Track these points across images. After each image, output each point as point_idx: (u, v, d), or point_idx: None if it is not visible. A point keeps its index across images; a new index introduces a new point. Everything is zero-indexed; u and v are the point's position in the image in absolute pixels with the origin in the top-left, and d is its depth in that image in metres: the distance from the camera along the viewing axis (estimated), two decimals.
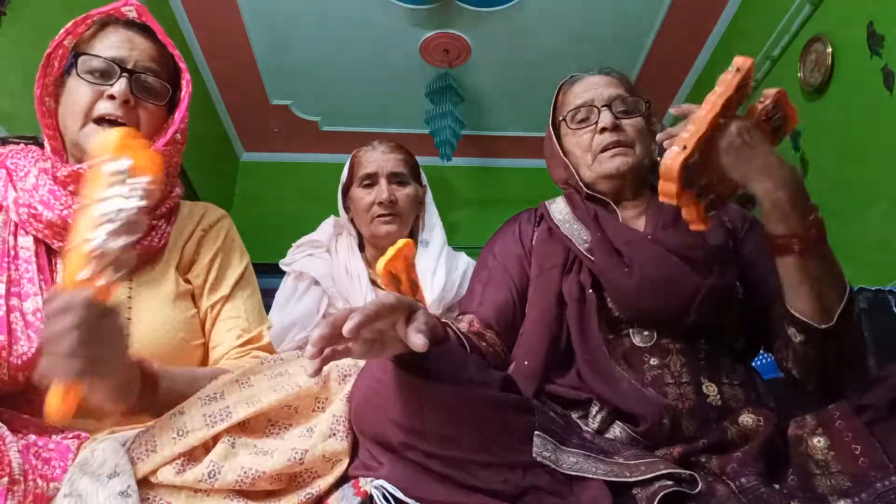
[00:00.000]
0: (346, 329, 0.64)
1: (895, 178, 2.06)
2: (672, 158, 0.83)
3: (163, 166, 0.96)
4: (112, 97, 0.97)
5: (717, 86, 0.86)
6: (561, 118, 1.22)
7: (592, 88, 1.19)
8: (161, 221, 1.04)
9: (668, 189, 0.84)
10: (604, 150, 1.15)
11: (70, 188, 0.94)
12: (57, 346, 0.67)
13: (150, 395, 0.82)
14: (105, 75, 0.98)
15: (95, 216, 0.72)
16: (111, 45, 1.00)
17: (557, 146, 1.22)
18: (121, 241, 0.72)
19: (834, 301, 0.89)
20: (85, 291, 0.68)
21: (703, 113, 0.85)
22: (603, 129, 1.14)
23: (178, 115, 1.03)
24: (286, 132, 4.03)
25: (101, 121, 0.97)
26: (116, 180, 0.73)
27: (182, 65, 1.05)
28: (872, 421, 0.80)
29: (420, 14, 3.14)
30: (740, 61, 0.86)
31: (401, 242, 0.87)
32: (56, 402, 0.68)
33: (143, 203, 0.73)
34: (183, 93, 1.05)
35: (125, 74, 0.98)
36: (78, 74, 0.98)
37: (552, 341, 1.05)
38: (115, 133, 0.80)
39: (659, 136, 0.94)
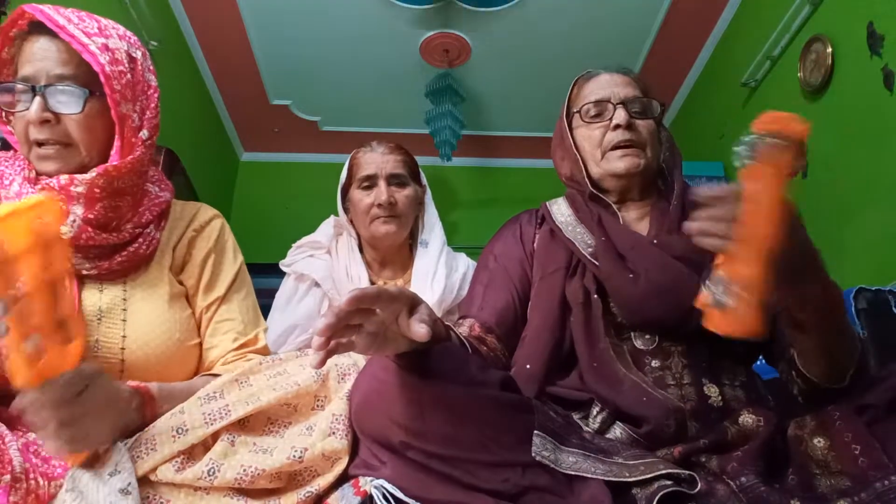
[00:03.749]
0: (347, 299, 0.64)
1: (895, 178, 2.06)
2: (746, 313, 0.66)
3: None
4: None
5: (757, 175, 0.63)
6: (575, 111, 1.21)
7: (609, 86, 1.18)
8: (150, 228, 1.02)
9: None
10: (614, 147, 1.13)
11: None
12: (44, 433, 0.70)
13: (150, 418, 0.82)
14: (24, 100, 0.93)
15: None
16: (26, 61, 0.94)
17: (569, 137, 1.20)
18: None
19: (845, 363, 0.88)
20: (48, 384, 0.68)
21: (759, 230, 0.64)
22: (616, 126, 1.13)
23: (151, 122, 0.97)
24: (286, 132, 4.02)
25: (39, 145, 0.93)
26: None
27: (93, 58, 0.92)
28: (872, 421, 0.81)
29: (420, 14, 3.13)
30: (793, 125, 0.64)
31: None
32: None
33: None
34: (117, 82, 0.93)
35: (38, 94, 0.91)
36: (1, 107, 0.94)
37: (555, 345, 1.04)
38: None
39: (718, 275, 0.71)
